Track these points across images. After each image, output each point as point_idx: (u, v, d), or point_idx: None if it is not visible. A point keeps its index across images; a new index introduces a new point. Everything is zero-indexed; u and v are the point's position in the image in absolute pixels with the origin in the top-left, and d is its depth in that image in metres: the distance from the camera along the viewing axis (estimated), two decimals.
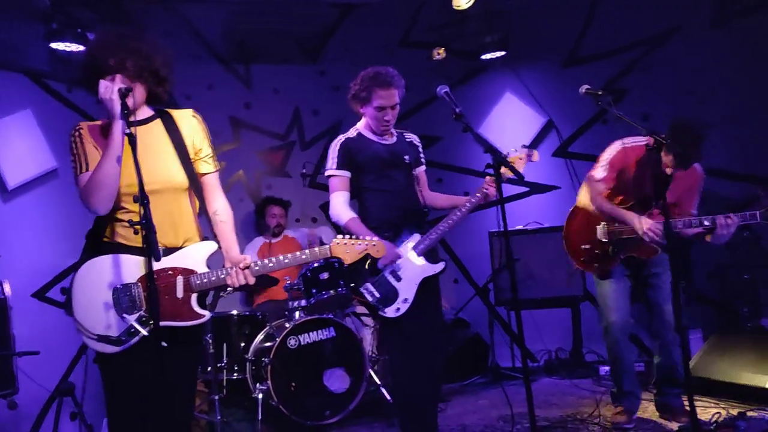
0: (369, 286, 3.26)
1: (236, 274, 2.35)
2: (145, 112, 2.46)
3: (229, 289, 4.50)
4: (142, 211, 2.08)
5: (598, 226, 3.72)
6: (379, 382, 4.52)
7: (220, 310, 4.78)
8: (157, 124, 2.46)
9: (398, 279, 3.27)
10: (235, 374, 4.58)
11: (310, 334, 4.36)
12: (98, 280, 2.30)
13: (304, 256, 2.47)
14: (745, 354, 4.15)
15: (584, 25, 6.03)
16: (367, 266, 3.21)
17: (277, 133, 6.14)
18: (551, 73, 6.13)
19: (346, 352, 4.36)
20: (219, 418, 4.17)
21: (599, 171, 3.70)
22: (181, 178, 2.42)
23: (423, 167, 3.57)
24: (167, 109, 2.52)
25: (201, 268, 2.37)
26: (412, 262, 3.29)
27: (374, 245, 2.53)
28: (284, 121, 6.15)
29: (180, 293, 2.33)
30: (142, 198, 2.09)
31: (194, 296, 2.35)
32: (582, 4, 5.93)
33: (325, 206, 6.20)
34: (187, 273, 2.35)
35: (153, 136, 2.42)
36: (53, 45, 4.67)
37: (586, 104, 5.63)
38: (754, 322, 4.93)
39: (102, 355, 2.33)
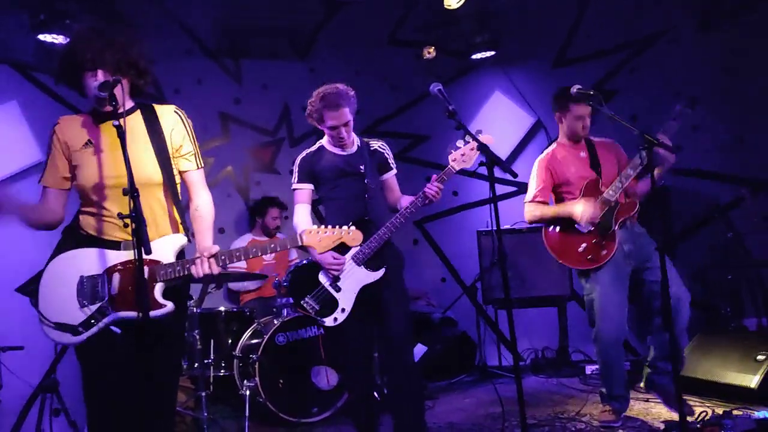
0: (308, 299, 3.36)
1: (201, 263, 2.35)
2: (127, 103, 2.43)
3: (212, 286, 4.44)
4: (132, 204, 2.06)
5: (576, 225, 3.75)
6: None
7: (207, 306, 4.76)
8: (137, 116, 2.47)
9: (338, 289, 3.34)
10: (222, 371, 4.55)
11: (299, 331, 4.37)
12: (66, 271, 2.34)
13: (272, 246, 2.47)
14: (729, 354, 4.19)
15: (574, 26, 6.07)
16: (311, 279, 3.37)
17: (266, 129, 6.11)
18: (541, 73, 6.16)
19: (334, 349, 4.36)
20: (205, 415, 4.14)
21: (529, 195, 3.99)
22: (153, 172, 2.42)
23: (392, 172, 3.57)
24: (152, 103, 2.53)
25: (168, 260, 2.38)
26: (351, 272, 3.34)
27: (349, 234, 2.56)
28: (273, 117, 6.13)
29: None
30: (132, 191, 2.07)
31: (158, 286, 2.35)
32: (572, 4, 5.96)
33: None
34: (153, 264, 2.34)
35: (130, 129, 2.40)
36: (40, 36, 4.62)
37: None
38: (737, 322, 4.99)
39: (79, 348, 2.35)
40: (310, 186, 3.49)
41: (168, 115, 2.50)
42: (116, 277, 2.33)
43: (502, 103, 6.29)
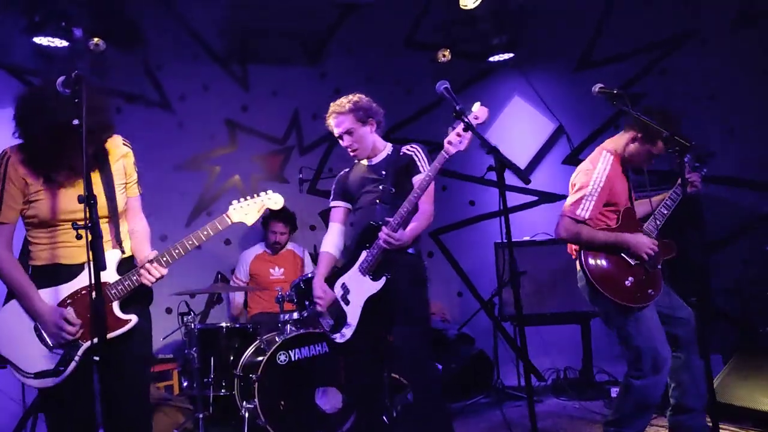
0: (324, 315, 3.27)
1: (146, 272, 2.39)
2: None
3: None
4: (88, 212, 1.84)
5: (623, 255, 3.33)
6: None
7: (210, 322, 4.55)
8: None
9: (347, 303, 3.18)
10: (222, 390, 4.32)
11: (302, 349, 4.12)
12: (19, 322, 2.33)
13: (206, 233, 2.51)
14: None
15: (598, 27, 5.78)
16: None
17: (274, 137, 5.89)
18: (562, 77, 5.90)
19: (340, 369, 4.09)
20: None
21: (583, 209, 3.30)
22: (101, 206, 2.40)
23: (420, 176, 3.21)
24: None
25: (112, 277, 2.40)
26: (359, 283, 3.15)
27: (269, 198, 2.67)
28: (282, 124, 5.91)
29: None
30: (88, 198, 1.85)
31: (115, 305, 2.39)
32: (596, 5, 5.68)
33: (323, 213, 5.96)
34: (102, 287, 2.27)
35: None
36: (36, 39, 4.47)
37: (599, 109, 5.49)
38: None
39: (45, 393, 2.34)
40: (343, 203, 3.48)
41: (117, 148, 2.52)
42: (70, 311, 2.33)
43: (522, 108, 6.03)
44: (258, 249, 5.36)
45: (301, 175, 5.34)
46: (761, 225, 5.28)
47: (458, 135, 2.92)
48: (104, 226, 2.39)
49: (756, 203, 5.25)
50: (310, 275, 4.40)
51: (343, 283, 3.24)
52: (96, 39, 4.59)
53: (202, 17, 5.57)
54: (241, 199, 2.62)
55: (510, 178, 2.64)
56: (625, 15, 5.65)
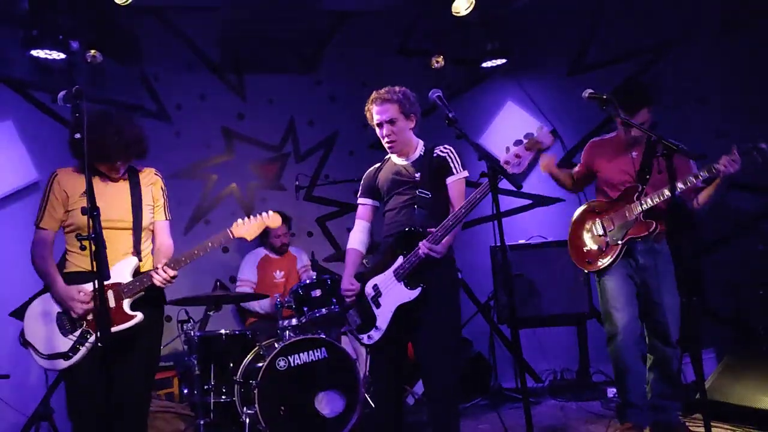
0: (352, 312, 3.23)
1: (156, 273, 2.85)
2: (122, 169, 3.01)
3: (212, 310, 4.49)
4: (91, 224, 1.91)
5: (591, 223, 3.78)
6: (374, 405, 4.28)
7: (210, 329, 4.58)
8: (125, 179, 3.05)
9: (378, 306, 3.13)
10: (223, 397, 4.35)
11: (301, 355, 4.14)
12: (46, 310, 2.82)
13: (210, 244, 2.98)
14: (762, 376, 3.91)
15: (590, 32, 5.85)
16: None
17: (271, 145, 5.94)
18: (555, 82, 5.96)
19: (339, 373, 4.14)
20: None
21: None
22: (125, 216, 2.96)
23: (454, 177, 3.16)
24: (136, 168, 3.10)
25: (127, 279, 2.88)
26: (392, 288, 3.10)
27: (269, 217, 3.13)
28: (279, 132, 5.95)
29: (112, 303, 2.81)
30: (91, 210, 1.91)
31: (126, 302, 2.84)
32: (586, 10, 5.75)
33: (320, 220, 6.00)
34: (116, 286, 2.85)
35: (119, 187, 3.01)
36: (33, 52, 4.51)
37: (591, 113, 5.54)
38: None
39: (65, 377, 2.84)
40: (369, 201, 3.41)
41: (149, 175, 3.12)
42: (82, 290, 2.79)
43: (515, 113, 6.09)
44: (261, 252, 5.41)
45: (297, 182, 5.38)
46: (754, 225, 5.33)
47: (517, 156, 2.79)
48: (125, 236, 2.89)
49: (748, 204, 5.30)
50: (308, 281, 4.45)
51: (375, 285, 3.17)
52: (93, 51, 4.64)
53: (197, 28, 5.62)
54: (245, 218, 3.11)
55: (503, 183, 2.70)
56: (616, 20, 5.72)
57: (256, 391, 3.96)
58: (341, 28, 5.91)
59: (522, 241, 5.45)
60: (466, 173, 3.18)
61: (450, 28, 5.67)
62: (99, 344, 2.39)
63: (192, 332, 4.34)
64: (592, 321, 5.27)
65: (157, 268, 2.82)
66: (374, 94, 3.24)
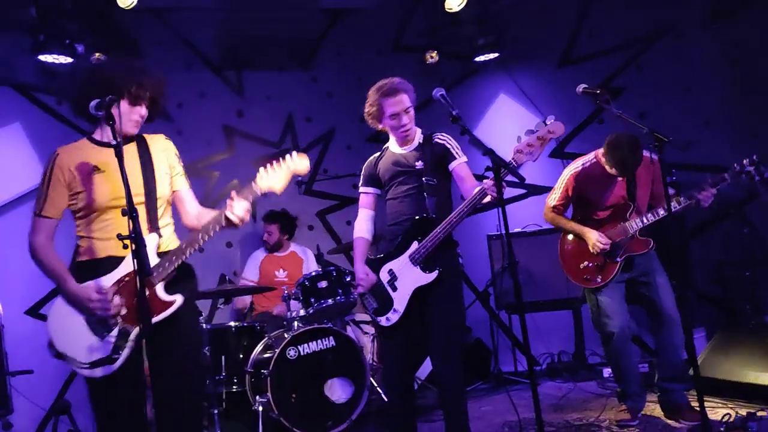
0: (368, 296, 3.34)
1: (233, 213, 2.49)
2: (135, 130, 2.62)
3: (221, 301, 4.42)
4: (131, 225, 2.02)
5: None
6: (381, 391, 4.46)
7: (218, 322, 4.71)
8: (134, 144, 2.63)
9: (394, 289, 3.27)
10: (234, 387, 4.49)
11: (310, 344, 4.29)
12: (70, 313, 2.40)
13: (235, 199, 2.55)
14: (750, 352, 4.08)
15: (578, 25, 6.00)
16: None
17: (270, 141, 6.06)
18: (546, 74, 6.10)
19: (347, 361, 4.29)
20: None
21: (551, 198, 4.03)
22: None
23: (457, 161, 3.30)
24: (143, 134, 2.69)
25: (153, 260, 2.45)
26: (408, 272, 3.24)
27: (293, 160, 2.56)
28: (278, 128, 6.08)
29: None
30: (131, 211, 2.03)
31: (159, 287, 2.43)
32: (575, 3, 5.89)
33: (321, 213, 6.14)
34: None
35: (133, 153, 2.59)
36: (41, 57, 4.60)
37: (582, 104, 5.69)
38: (757, 319, 4.87)
39: (96, 382, 2.39)
40: (371, 189, 3.47)
41: (159, 141, 2.71)
42: (117, 298, 2.39)
43: (508, 105, 6.23)
44: (261, 253, 5.55)
45: (299, 178, 5.49)
46: (738, 210, 5.51)
47: (529, 145, 3.03)
48: (140, 209, 2.38)
49: (731, 189, 5.47)
50: (314, 273, 4.59)
51: (390, 269, 3.28)
52: (98, 54, 4.73)
53: (196, 27, 5.71)
54: (268, 165, 2.57)
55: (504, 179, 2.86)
56: (604, 13, 5.86)
57: (268, 380, 4.10)
58: (337, 25, 6.02)
59: (517, 230, 5.61)
60: (465, 158, 3.34)
61: (442, 24, 5.78)
62: (143, 339, 2.20)
63: (202, 325, 4.47)
64: (586, 305, 5.41)
65: (228, 201, 2.46)
66: (383, 87, 3.27)
